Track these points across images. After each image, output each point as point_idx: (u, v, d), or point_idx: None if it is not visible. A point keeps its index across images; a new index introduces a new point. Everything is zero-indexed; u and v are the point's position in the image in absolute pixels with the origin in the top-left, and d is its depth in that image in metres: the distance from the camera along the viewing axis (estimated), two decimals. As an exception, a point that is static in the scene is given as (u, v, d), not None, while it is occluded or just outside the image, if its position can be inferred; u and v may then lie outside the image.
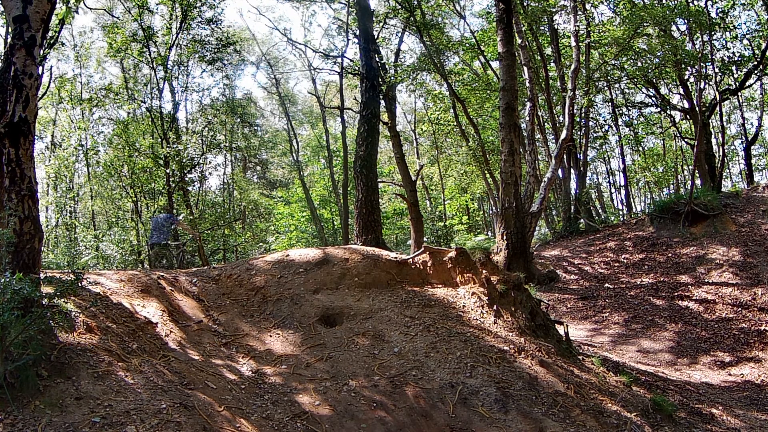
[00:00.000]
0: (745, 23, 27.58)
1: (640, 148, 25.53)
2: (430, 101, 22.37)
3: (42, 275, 3.73)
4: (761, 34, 16.84)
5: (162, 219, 9.54)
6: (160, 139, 15.26)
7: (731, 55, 17.25)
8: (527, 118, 15.56)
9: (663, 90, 20.24)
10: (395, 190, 21.92)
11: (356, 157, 12.55)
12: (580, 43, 14.75)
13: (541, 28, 18.33)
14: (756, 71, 16.71)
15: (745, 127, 21.44)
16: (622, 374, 6.43)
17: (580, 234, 16.08)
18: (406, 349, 5.26)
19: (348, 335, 5.46)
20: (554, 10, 16.41)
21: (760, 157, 27.66)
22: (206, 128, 18.62)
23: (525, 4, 16.07)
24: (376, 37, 15.38)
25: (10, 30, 3.93)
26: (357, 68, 15.24)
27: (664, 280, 11.37)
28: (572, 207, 17.63)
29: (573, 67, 14.19)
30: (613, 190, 30.49)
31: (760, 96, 21.01)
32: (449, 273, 6.68)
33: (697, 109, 15.69)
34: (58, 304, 3.66)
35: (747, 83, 17.66)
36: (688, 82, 17.20)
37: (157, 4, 15.77)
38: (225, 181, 25.35)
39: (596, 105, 21.61)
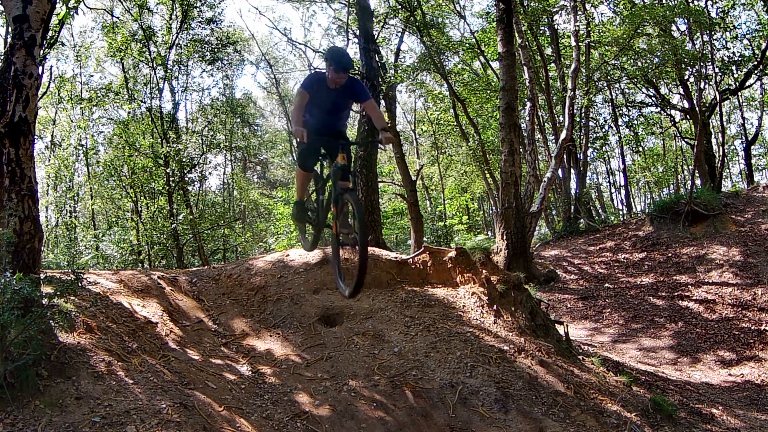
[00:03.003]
0: (745, 23, 27.60)
1: (640, 148, 25.51)
2: (430, 101, 22.35)
3: (42, 275, 3.73)
4: (761, 34, 16.83)
5: (338, 97, 4.33)
6: (160, 139, 15.25)
7: (731, 55, 17.25)
8: (527, 118, 15.56)
9: (663, 90, 20.23)
10: (395, 190, 21.92)
11: (356, 157, 12.54)
12: (580, 43, 14.75)
13: (541, 28, 18.32)
14: (756, 71, 16.70)
15: (745, 127, 21.45)
16: (622, 374, 6.43)
17: (580, 234, 16.08)
18: (406, 349, 5.26)
19: (348, 335, 5.46)
20: (554, 10, 16.40)
21: (760, 157, 27.64)
22: (206, 128, 18.61)
23: (525, 4, 16.06)
24: (376, 37, 15.37)
25: (10, 30, 3.93)
26: (357, 68, 15.24)
27: (664, 279, 11.37)
28: (572, 207, 17.63)
29: (573, 67, 14.19)
30: (613, 190, 30.48)
31: (760, 96, 21.00)
32: (449, 273, 6.68)
33: (697, 109, 15.69)
34: (58, 304, 3.65)
35: (747, 83, 17.65)
36: (688, 82, 17.20)
37: (156, 4, 15.77)
38: (225, 181, 25.34)
39: (596, 105, 21.60)
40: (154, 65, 15.32)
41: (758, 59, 16.26)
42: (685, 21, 15.83)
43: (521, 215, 11.60)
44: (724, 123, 19.83)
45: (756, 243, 11.31)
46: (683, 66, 16.10)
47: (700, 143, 14.81)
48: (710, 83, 16.64)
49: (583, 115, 18.08)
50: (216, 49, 16.52)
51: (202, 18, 15.91)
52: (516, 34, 13.69)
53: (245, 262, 6.86)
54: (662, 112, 21.46)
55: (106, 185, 17.71)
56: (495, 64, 18.10)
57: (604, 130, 22.43)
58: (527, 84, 14.70)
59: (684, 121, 21.03)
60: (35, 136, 4.00)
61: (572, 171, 18.57)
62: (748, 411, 6.50)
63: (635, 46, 16.30)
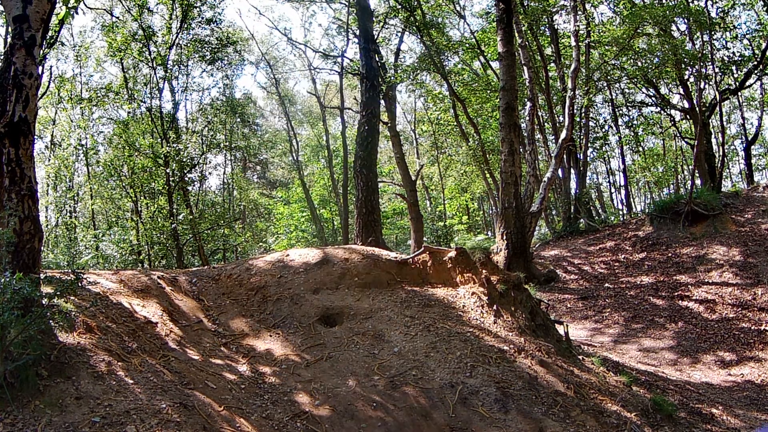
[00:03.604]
0: (745, 23, 27.58)
1: (640, 148, 25.52)
2: (430, 101, 22.37)
3: (42, 275, 3.73)
4: (761, 34, 16.83)
5: None
6: (159, 139, 15.25)
7: (731, 55, 17.25)
8: (527, 118, 15.56)
9: (663, 90, 20.23)
10: (395, 190, 21.93)
11: (356, 156, 12.56)
12: (580, 43, 14.74)
13: (541, 28, 18.32)
14: (756, 71, 16.70)
15: (745, 127, 21.46)
16: (622, 374, 6.43)
17: (580, 234, 16.08)
18: (406, 348, 5.25)
19: (348, 335, 5.46)
20: (554, 10, 16.40)
21: (760, 157, 27.65)
22: (206, 128, 18.61)
23: (525, 4, 16.06)
24: (376, 37, 15.39)
25: (10, 30, 3.93)
26: (357, 68, 15.25)
27: (664, 279, 11.37)
28: (572, 207, 17.63)
29: (573, 67, 14.18)
30: (613, 190, 30.49)
31: (760, 96, 21.01)
32: (449, 273, 6.68)
33: (697, 109, 15.69)
34: (58, 303, 3.66)
35: (747, 83, 17.65)
36: (688, 82, 17.19)
37: (156, 4, 15.78)
38: (225, 180, 25.35)
39: (596, 105, 21.60)
40: (154, 65, 15.31)
41: (758, 59, 16.26)
42: (685, 21, 15.83)
43: (521, 215, 11.60)
44: (724, 123, 19.83)
45: (756, 243, 11.31)
46: (683, 66, 16.10)
47: (700, 143, 14.81)
48: (710, 83, 16.64)
49: (583, 115, 18.07)
50: (216, 49, 16.52)
51: (202, 18, 15.91)
52: (516, 34, 13.69)
53: (245, 262, 6.86)
54: (662, 112, 21.46)
55: (106, 185, 17.71)
56: (495, 64, 18.11)
57: (604, 130, 22.43)
58: (527, 84, 14.70)
59: (684, 121, 21.04)
60: (35, 136, 4.00)
61: (572, 171, 18.56)
62: (748, 411, 6.50)
63: (635, 46, 16.29)
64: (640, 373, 7.35)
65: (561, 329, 6.96)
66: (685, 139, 21.45)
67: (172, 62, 15.77)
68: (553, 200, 20.04)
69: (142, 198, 16.18)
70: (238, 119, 21.41)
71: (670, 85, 20.51)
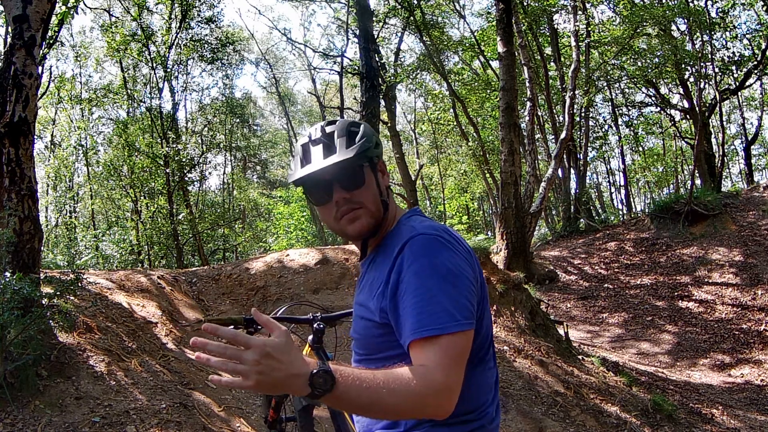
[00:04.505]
0: (745, 23, 27.61)
1: (640, 148, 25.53)
2: (430, 101, 22.37)
3: (42, 275, 3.73)
4: (761, 34, 16.83)
5: None
6: (159, 139, 15.25)
7: (731, 55, 17.24)
8: (527, 118, 15.55)
9: (663, 90, 20.23)
10: (395, 190, 21.92)
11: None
12: (580, 43, 14.73)
13: (541, 28, 18.32)
14: (756, 71, 16.70)
15: (745, 127, 21.50)
16: (621, 374, 6.43)
17: (580, 234, 16.07)
18: (405, 349, 5.25)
19: (348, 335, 5.46)
20: (554, 9, 16.39)
21: (760, 157, 27.68)
22: (206, 128, 18.61)
23: (525, 3, 16.05)
24: (376, 36, 15.39)
25: (10, 30, 3.93)
26: (357, 68, 15.25)
27: (664, 280, 11.37)
28: (572, 207, 17.62)
29: (573, 66, 14.17)
30: (613, 190, 30.53)
31: (760, 96, 21.03)
32: (449, 273, 6.66)
33: (697, 108, 15.68)
34: (58, 303, 3.65)
35: (747, 83, 17.65)
36: (688, 82, 17.19)
37: (156, 4, 15.77)
38: (225, 180, 25.34)
39: (596, 105, 21.61)
40: (154, 65, 15.31)
41: (758, 59, 16.26)
42: (685, 21, 15.82)
43: (521, 215, 11.59)
44: (724, 123, 19.83)
45: (756, 243, 11.30)
46: (683, 66, 16.09)
47: (700, 143, 14.80)
48: (710, 83, 16.63)
49: (583, 114, 18.07)
50: (215, 49, 16.52)
51: (202, 17, 15.91)
52: (516, 34, 13.68)
53: (245, 263, 6.86)
54: (662, 112, 21.47)
55: (105, 185, 17.71)
56: (495, 64, 18.11)
57: (604, 130, 22.44)
58: (527, 84, 14.69)
59: (684, 121, 21.04)
60: (35, 136, 4.00)
61: (572, 171, 18.56)
62: (748, 411, 6.50)
63: (635, 46, 16.29)
64: (639, 373, 7.35)
65: (561, 329, 6.96)
66: (685, 139, 21.45)
67: (171, 62, 15.76)
68: (553, 200, 20.04)
69: (141, 198, 16.17)
70: (238, 120, 21.42)
71: (670, 85, 20.51)
